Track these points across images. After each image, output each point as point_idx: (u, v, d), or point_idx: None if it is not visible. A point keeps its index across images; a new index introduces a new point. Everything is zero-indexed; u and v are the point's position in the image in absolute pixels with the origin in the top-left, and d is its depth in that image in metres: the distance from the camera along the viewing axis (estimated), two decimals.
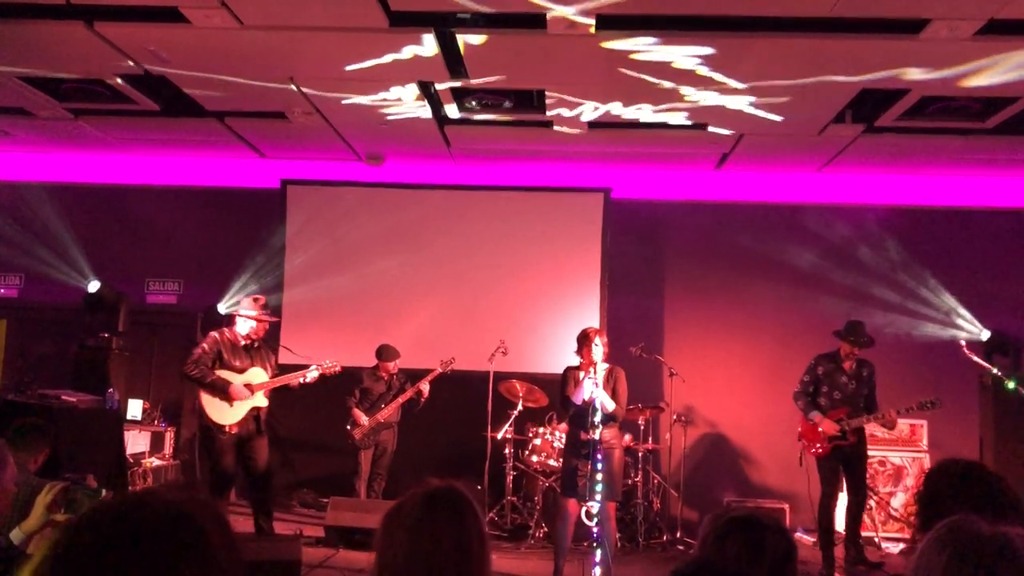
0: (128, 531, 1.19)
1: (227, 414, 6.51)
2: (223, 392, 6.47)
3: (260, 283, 9.03)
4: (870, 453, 8.03)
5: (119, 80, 6.69)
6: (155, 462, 8.22)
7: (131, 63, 6.30)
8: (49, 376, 8.46)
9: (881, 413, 6.69)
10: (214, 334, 6.70)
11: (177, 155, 9.06)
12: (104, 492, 2.95)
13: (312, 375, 6.79)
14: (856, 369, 6.86)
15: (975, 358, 7.03)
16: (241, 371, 6.59)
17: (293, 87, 6.74)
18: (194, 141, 8.43)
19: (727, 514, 1.98)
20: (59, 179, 9.50)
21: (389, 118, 7.39)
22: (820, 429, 6.78)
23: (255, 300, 6.79)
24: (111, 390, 7.48)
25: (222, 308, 9.08)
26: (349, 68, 6.28)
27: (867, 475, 7.00)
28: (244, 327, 6.70)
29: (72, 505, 2.96)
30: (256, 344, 6.74)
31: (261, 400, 6.62)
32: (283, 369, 6.98)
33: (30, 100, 7.26)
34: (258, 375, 6.64)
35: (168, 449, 8.63)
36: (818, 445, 6.82)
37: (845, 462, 6.80)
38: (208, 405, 6.50)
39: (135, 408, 8.54)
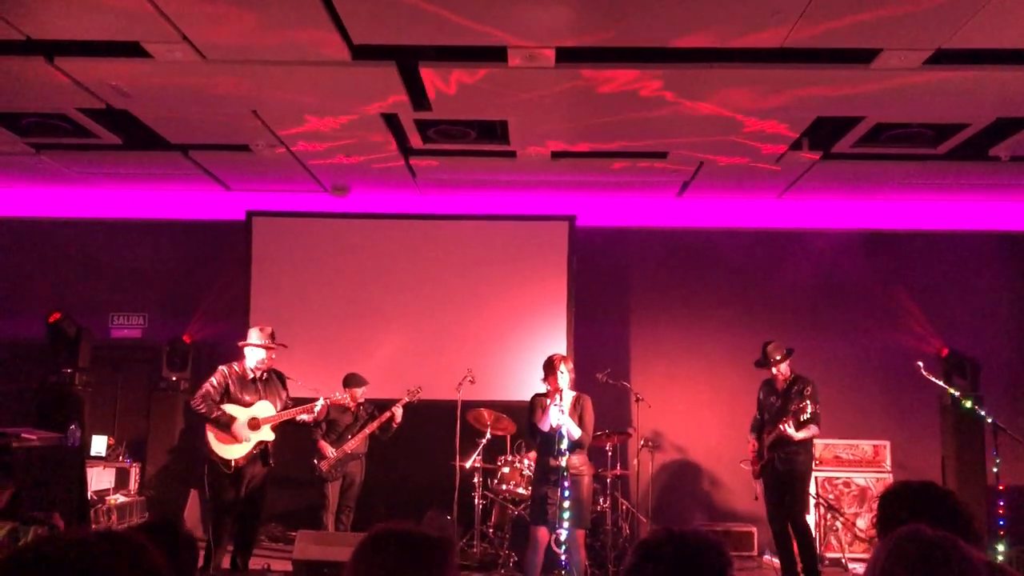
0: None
1: (233, 449, 6.48)
2: (227, 429, 6.44)
3: (226, 315, 8.98)
4: (836, 474, 8.13)
5: (81, 114, 6.68)
6: (120, 499, 8.10)
7: (93, 97, 6.29)
8: (10, 414, 8.32)
9: (779, 427, 6.66)
10: (223, 368, 6.66)
11: (141, 188, 9.01)
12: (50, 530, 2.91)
13: (319, 407, 6.76)
14: (787, 387, 6.92)
15: (933, 379, 7.14)
16: (249, 405, 6.56)
17: (257, 120, 6.76)
18: (158, 174, 8.39)
19: (653, 536, 1.96)
20: (21, 214, 9.40)
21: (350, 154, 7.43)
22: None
23: (261, 330, 6.74)
24: (73, 427, 7.37)
25: (186, 340, 9.02)
26: (312, 101, 6.33)
27: (801, 496, 6.86)
28: (253, 359, 6.66)
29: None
30: (265, 376, 6.71)
31: (268, 434, 6.58)
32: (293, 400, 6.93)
33: None
34: (265, 409, 6.60)
35: (133, 485, 8.51)
36: (753, 467, 7.08)
37: (778, 481, 6.82)
38: (213, 440, 6.48)
39: (99, 444, 8.43)
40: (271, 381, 6.76)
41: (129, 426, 9.05)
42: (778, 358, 6.88)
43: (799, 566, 6.69)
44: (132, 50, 5.51)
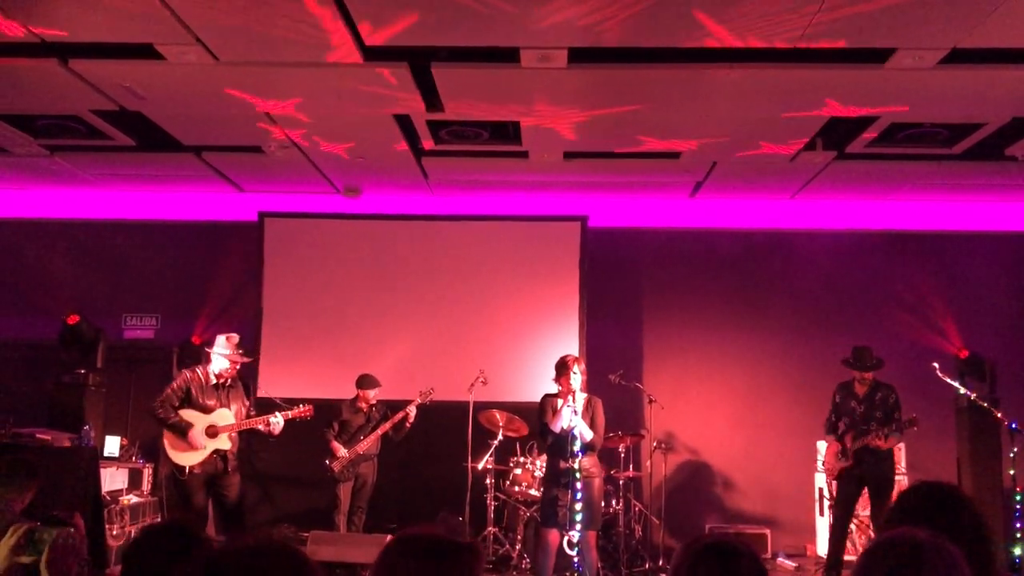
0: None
1: (188, 455, 6.45)
2: (183, 435, 6.42)
3: (238, 316, 9.00)
4: None
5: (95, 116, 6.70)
6: (133, 499, 8.11)
7: (106, 99, 6.31)
8: (24, 414, 8.36)
9: (870, 437, 6.74)
10: (186, 372, 6.66)
11: (154, 190, 9.04)
12: (72, 533, 2.91)
13: (274, 421, 6.63)
14: (869, 393, 6.97)
15: (948, 380, 7.10)
16: (210, 411, 6.53)
17: (270, 121, 6.76)
18: (171, 176, 8.42)
19: (700, 542, 2.00)
20: (35, 215, 9.45)
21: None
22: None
23: (228, 339, 6.71)
24: (86, 427, 7.40)
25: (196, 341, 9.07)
26: (325, 102, 6.34)
27: (890, 502, 6.89)
28: (217, 366, 6.64)
29: (37, 546, 2.92)
30: (229, 382, 6.68)
31: (224, 443, 6.52)
32: (260, 405, 6.92)
33: (5, 137, 7.24)
34: (224, 417, 6.56)
35: (146, 486, 8.52)
36: (828, 467, 7.10)
37: (863, 485, 6.90)
38: (170, 446, 6.46)
39: (112, 445, 8.44)
40: (234, 387, 6.73)
41: (142, 427, 9.06)
42: (871, 364, 6.98)
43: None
44: (145, 52, 5.53)
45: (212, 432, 6.49)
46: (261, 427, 6.65)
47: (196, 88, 6.11)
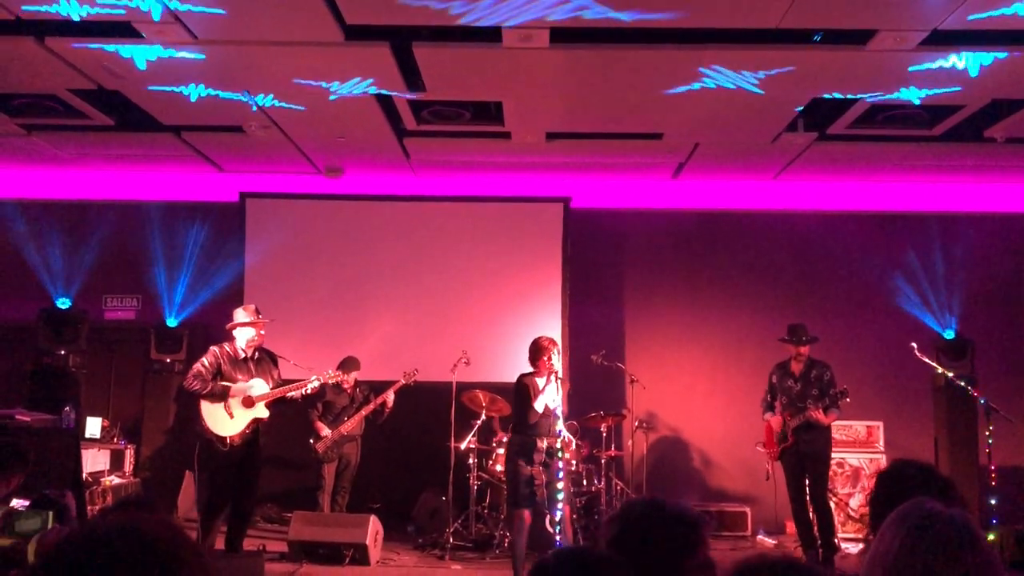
0: (103, 563, 1.15)
1: (228, 425, 6.42)
2: (223, 398, 6.39)
3: (219, 297, 8.97)
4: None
5: (72, 95, 6.63)
6: (115, 480, 8.11)
7: (84, 78, 6.24)
8: (4, 395, 8.32)
9: (809, 412, 6.77)
10: (214, 348, 6.60)
11: (134, 170, 8.97)
12: (50, 516, 2.90)
13: (313, 385, 6.69)
14: (804, 371, 6.97)
15: (926, 359, 7.16)
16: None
17: (249, 101, 6.72)
18: (151, 155, 8.35)
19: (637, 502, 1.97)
20: (13, 195, 9.35)
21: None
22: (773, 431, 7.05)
23: (245, 308, 6.69)
24: (67, 408, 7.36)
25: (172, 322, 9.06)
26: (305, 82, 6.30)
27: (824, 476, 6.93)
28: (243, 338, 6.62)
29: (15, 530, 2.91)
30: (257, 356, 6.67)
31: (262, 411, 6.52)
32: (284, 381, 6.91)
33: None
34: (259, 387, 6.56)
35: (128, 467, 8.52)
36: (770, 449, 7.08)
37: (801, 463, 6.90)
38: (209, 417, 6.41)
39: (94, 426, 8.42)
40: (263, 360, 6.72)
41: (124, 407, 9.05)
42: (805, 339, 6.99)
43: (819, 541, 6.80)
44: (124, 30, 5.47)
45: (248, 403, 6.49)
46: (294, 394, 6.65)
47: (175, 67, 6.05)
